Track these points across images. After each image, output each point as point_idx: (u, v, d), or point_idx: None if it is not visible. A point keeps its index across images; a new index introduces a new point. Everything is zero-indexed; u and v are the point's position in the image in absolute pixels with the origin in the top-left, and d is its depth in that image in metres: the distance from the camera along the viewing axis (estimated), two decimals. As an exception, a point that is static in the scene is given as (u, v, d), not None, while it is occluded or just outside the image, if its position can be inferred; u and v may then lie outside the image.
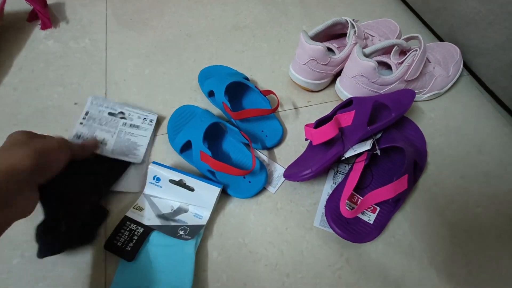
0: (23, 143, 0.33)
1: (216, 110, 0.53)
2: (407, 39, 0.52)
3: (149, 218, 0.42)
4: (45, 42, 0.62)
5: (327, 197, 0.45)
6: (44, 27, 0.63)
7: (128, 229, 0.40)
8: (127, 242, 0.39)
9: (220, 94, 0.48)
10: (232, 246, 0.42)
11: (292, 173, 0.43)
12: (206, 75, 0.54)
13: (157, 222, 0.42)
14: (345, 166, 0.48)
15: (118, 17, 0.67)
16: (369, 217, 0.43)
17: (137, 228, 0.41)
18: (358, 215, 0.43)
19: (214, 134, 0.49)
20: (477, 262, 0.43)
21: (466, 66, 0.60)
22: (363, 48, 0.51)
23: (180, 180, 0.44)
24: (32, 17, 0.64)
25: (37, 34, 0.63)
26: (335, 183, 0.47)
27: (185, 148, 0.46)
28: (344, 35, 0.57)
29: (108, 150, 0.44)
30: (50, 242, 0.37)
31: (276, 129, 0.50)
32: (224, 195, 0.46)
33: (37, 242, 0.37)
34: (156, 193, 0.44)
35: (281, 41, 0.64)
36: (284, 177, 0.45)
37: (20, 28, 0.64)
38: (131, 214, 0.42)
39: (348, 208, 0.41)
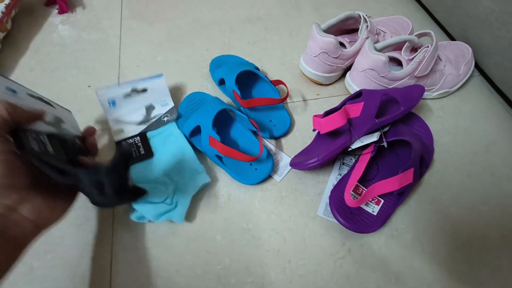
0: None
1: (226, 99, 0.54)
2: (419, 36, 0.52)
3: (134, 130, 0.47)
4: (62, 26, 0.63)
5: (332, 187, 0.45)
6: (61, 11, 0.65)
7: (132, 143, 0.46)
8: (138, 149, 0.46)
9: (231, 82, 0.48)
10: (236, 230, 0.43)
11: (298, 162, 0.44)
12: (217, 64, 0.55)
13: (143, 127, 0.48)
14: (351, 159, 0.49)
15: (133, 5, 0.68)
16: (373, 209, 0.43)
17: (135, 139, 0.47)
18: (362, 206, 0.43)
19: (223, 121, 0.49)
20: (479, 259, 0.43)
21: (477, 66, 0.59)
22: (375, 43, 0.52)
23: (133, 90, 0.47)
24: (50, 1, 0.66)
25: (54, 18, 0.64)
26: (340, 175, 0.47)
27: (194, 133, 0.47)
28: (356, 30, 0.57)
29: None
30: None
31: (284, 119, 0.51)
32: (231, 181, 0.46)
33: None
34: (121, 114, 0.48)
35: (292, 34, 0.64)
36: (290, 165, 0.46)
37: (37, 12, 0.65)
38: (120, 137, 0.47)
39: (352, 198, 0.41)
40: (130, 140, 0.47)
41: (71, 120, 0.44)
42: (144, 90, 0.48)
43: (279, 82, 0.51)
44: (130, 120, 0.48)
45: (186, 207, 0.42)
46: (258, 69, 0.53)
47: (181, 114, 0.50)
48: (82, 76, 0.56)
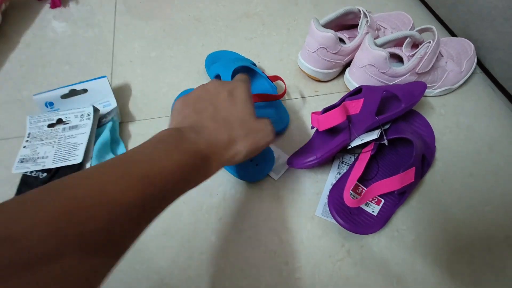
0: (244, 136, 0.30)
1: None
2: (421, 31, 0.50)
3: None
4: (54, 21, 0.62)
5: (331, 186, 0.44)
6: (54, 5, 0.63)
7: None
8: None
9: (227, 78, 0.47)
10: (231, 231, 0.42)
11: (296, 160, 0.42)
12: (213, 60, 0.54)
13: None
14: (351, 157, 0.47)
15: (128, 0, 0.66)
16: (373, 209, 0.42)
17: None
18: (362, 206, 0.42)
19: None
20: (483, 261, 0.41)
21: (479, 63, 0.58)
22: (375, 39, 0.50)
23: (71, 91, 0.47)
24: (43, -5, 0.64)
25: (46, 12, 0.63)
26: (339, 174, 0.46)
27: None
28: (355, 26, 0.55)
29: (49, 162, 0.42)
30: None
31: (282, 115, 0.49)
32: (226, 179, 0.45)
33: None
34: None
35: (290, 30, 0.63)
36: (288, 164, 0.44)
37: (29, 6, 0.64)
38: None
39: (352, 198, 0.40)
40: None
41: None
42: (85, 91, 0.48)
43: (276, 78, 0.50)
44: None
45: None
46: (255, 64, 0.52)
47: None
48: (74, 71, 0.55)
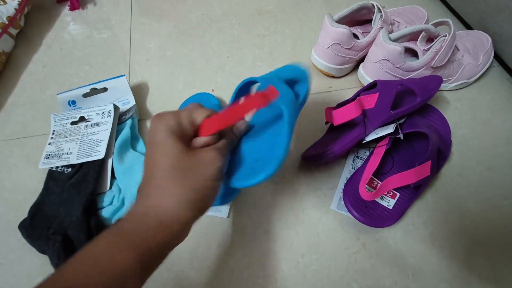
0: (181, 185, 0.25)
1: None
2: (436, 25, 0.50)
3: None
4: (73, 23, 0.64)
5: (346, 181, 0.44)
6: (73, 8, 0.65)
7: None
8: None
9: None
10: (248, 224, 0.43)
11: (311, 155, 0.43)
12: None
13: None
14: (365, 152, 0.47)
15: (143, 0, 0.68)
16: (388, 202, 0.42)
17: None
18: (377, 200, 0.42)
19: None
20: (501, 256, 0.41)
21: (496, 56, 0.57)
22: (389, 33, 0.50)
23: (92, 89, 0.49)
24: (62, -2, 0.66)
25: (66, 15, 0.65)
26: (354, 168, 0.46)
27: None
28: (369, 21, 0.55)
29: (73, 158, 0.44)
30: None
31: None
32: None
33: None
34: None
35: (303, 27, 0.63)
36: (303, 159, 0.45)
37: (49, 8, 0.66)
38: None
39: (367, 191, 0.40)
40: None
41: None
42: (105, 89, 0.50)
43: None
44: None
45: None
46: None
47: None
48: (94, 71, 0.57)
